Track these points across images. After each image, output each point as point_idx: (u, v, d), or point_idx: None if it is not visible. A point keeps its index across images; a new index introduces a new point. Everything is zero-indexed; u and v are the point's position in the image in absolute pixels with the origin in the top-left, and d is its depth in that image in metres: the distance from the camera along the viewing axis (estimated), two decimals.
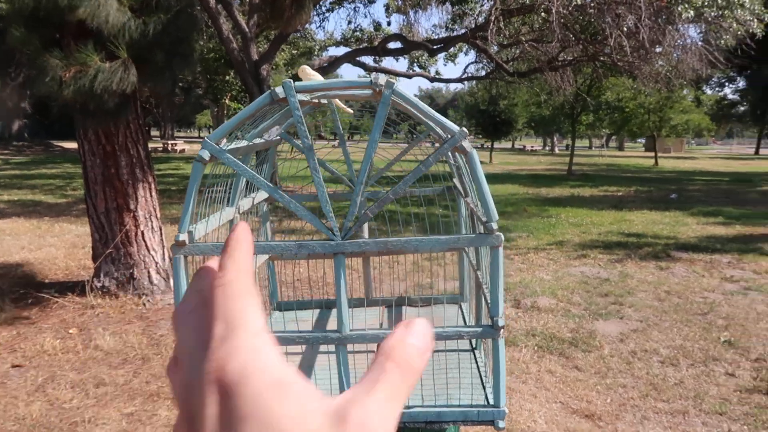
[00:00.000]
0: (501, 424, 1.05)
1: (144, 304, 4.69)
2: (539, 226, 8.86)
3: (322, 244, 0.90)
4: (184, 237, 0.94)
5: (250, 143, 1.07)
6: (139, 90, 4.53)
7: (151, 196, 4.91)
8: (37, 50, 3.92)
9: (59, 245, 7.01)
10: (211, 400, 0.25)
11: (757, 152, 40.73)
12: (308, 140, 0.89)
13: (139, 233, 4.80)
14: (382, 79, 0.88)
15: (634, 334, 4.31)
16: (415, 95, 1.09)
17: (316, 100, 1.31)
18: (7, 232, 7.86)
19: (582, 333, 4.29)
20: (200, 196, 0.98)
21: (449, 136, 0.86)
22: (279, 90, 0.92)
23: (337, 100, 1.45)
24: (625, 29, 10.11)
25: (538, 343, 4.09)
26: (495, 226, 0.87)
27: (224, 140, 0.97)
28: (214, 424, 0.25)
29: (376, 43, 15.31)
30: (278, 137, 1.65)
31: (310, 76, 1.38)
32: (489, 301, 0.96)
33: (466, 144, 0.84)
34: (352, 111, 1.90)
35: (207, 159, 0.93)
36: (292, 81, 0.92)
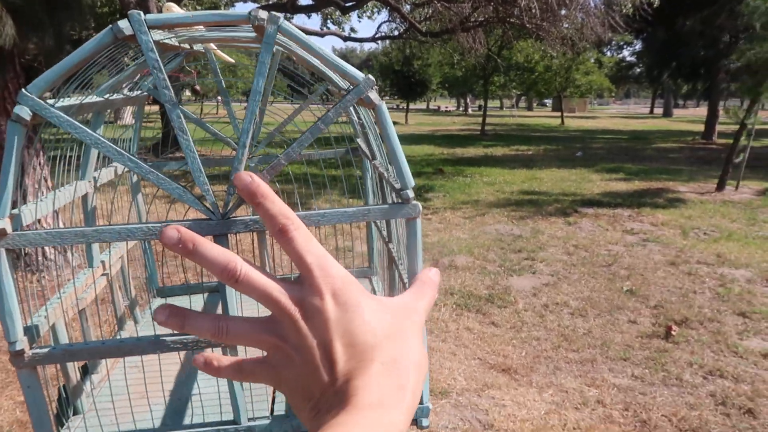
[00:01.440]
0: (425, 422, 0.97)
1: (39, 281, 4.31)
2: (455, 186, 9.00)
3: (198, 224, 0.72)
4: (3, 224, 0.73)
5: (103, 98, 0.84)
6: (19, 46, 4.04)
7: (39, 164, 4.46)
8: None
9: None
10: (329, 299, 0.38)
11: (651, 111, 43.58)
12: (169, 92, 0.72)
13: None
14: (263, 13, 0.70)
15: (546, 288, 4.47)
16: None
17: (187, 45, 1.06)
18: None
19: (498, 289, 4.40)
20: (42, 167, 0.81)
21: (353, 87, 0.69)
22: (124, 24, 0.70)
23: (213, 46, 1.21)
24: None
25: (456, 301, 4.15)
26: (411, 194, 0.72)
27: (49, 93, 0.77)
28: (334, 311, 0.38)
29: None
30: (144, 93, 1.39)
31: (172, 9, 1.12)
32: (405, 279, 0.83)
33: (373, 95, 0.68)
34: (234, 60, 1.68)
35: (28, 118, 0.74)
36: (142, 14, 0.73)
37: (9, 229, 0.73)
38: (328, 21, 16.84)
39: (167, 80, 0.70)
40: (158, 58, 0.70)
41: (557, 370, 3.20)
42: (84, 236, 0.70)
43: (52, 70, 0.72)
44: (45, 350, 0.79)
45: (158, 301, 1.57)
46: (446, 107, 52.38)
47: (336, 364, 0.37)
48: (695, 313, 3.91)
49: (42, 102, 0.72)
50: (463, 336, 3.61)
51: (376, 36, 15.78)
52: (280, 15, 0.69)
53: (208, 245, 0.39)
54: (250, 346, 0.41)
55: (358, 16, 16.65)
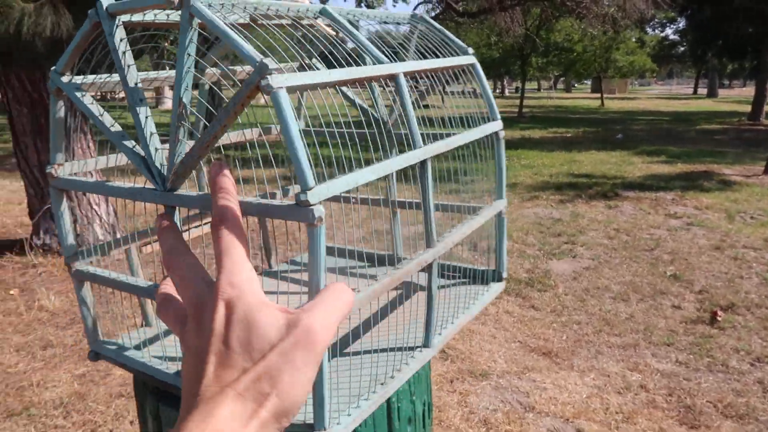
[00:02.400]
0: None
1: (90, 261, 4.47)
2: (491, 169, 8.91)
3: (141, 191, 0.71)
4: (51, 169, 0.80)
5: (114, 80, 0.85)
6: (72, 34, 4.17)
7: (88, 146, 4.61)
8: None
9: None
10: (221, 309, 0.37)
11: (695, 92, 42.02)
12: (127, 75, 0.72)
13: None
14: None
15: (586, 272, 4.42)
16: (366, 37, 0.87)
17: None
18: None
19: (537, 273, 4.37)
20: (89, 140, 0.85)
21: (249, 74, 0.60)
22: (93, 12, 0.71)
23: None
24: None
25: None
26: (309, 196, 0.58)
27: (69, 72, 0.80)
28: (221, 324, 0.37)
29: None
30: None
31: None
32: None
33: (274, 81, 0.58)
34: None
35: (53, 89, 0.79)
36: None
37: (56, 174, 0.80)
38: (363, 3, 16.76)
39: (128, 68, 0.70)
40: (117, 46, 0.69)
41: (599, 354, 3.18)
42: (119, 192, 0.76)
43: (65, 52, 0.77)
44: (85, 269, 0.88)
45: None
46: None
47: (202, 379, 0.35)
48: (742, 299, 3.82)
49: (58, 77, 0.78)
50: (503, 319, 3.61)
51: None
52: None
53: (230, 198, 0.43)
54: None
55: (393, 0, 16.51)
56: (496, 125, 1.08)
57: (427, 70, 0.90)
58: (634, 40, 29.28)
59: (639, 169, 8.98)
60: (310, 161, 0.60)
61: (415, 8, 15.64)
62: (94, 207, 4.59)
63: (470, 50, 1.04)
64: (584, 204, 6.58)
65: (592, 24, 13.87)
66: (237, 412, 0.34)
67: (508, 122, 18.21)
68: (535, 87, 51.68)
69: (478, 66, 1.04)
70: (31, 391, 2.77)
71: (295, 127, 0.59)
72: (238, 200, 0.44)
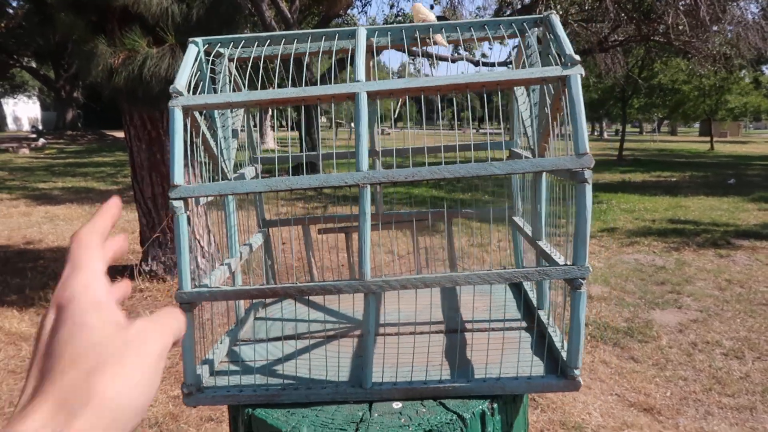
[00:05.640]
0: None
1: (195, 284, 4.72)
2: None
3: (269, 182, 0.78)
4: (176, 180, 0.81)
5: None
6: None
7: (196, 181, 4.93)
8: (83, 36, 3.95)
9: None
10: (50, 316, 0.36)
11: None
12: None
13: None
14: None
15: (694, 324, 4.08)
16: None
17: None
18: (61, 217, 8.11)
19: (638, 322, 4.09)
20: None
21: None
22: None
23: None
24: (681, 6, 9.62)
25: (591, 332, 3.92)
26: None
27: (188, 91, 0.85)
28: (47, 332, 0.35)
29: None
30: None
31: (422, 15, 1.10)
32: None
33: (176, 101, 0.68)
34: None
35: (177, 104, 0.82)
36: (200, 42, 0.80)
37: (179, 182, 0.81)
38: (459, 47, 16.99)
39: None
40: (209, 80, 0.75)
41: (708, 415, 2.89)
42: (247, 186, 0.79)
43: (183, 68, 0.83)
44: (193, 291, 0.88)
45: None
46: None
47: (23, 390, 0.33)
48: None
49: (179, 91, 0.82)
50: (599, 369, 3.39)
51: (508, 60, 15.64)
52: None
53: (100, 216, 0.42)
54: None
55: (490, 44, 16.64)
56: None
57: (421, 88, 0.80)
58: (748, 80, 27.50)
59: (754, 216, 8.28)
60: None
61: (510, 52, 15.66)
62: (198, 238, 4.87)
63: (576, 58, 0.82)
64: (691, 252, 6.13)
65: (701, 64, 13.19)
66: (48, 423, 0.30)
67: (607, 165, 17.55)
68: (636, 130, 49.61)
69: (573, 81, 0.80)
70: None
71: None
72: (110, 219, 0.42)
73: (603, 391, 3.14)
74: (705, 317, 4.21)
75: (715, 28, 10.96)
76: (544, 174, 0.98)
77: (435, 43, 0.96)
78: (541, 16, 0.93)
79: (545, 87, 0.90)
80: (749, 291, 4.78)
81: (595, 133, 46.69)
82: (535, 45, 0.95)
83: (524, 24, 0.95)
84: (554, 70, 0.79)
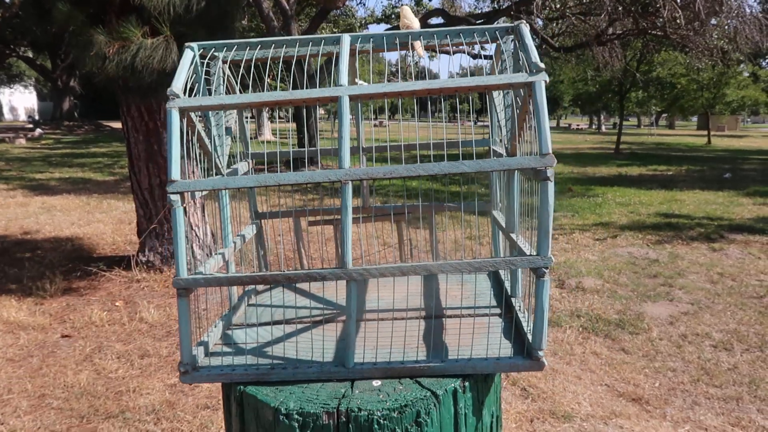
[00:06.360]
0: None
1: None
2: (585, 206, 8.62)
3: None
4: (173, 176, 0.87)
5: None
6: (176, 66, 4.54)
7: (193, 172, 4.95)
8: (81, 26, 3.96)
9: (107, 221, 7.21)
10: None
11: None
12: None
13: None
14: None
15: (684, 316, 4.14)
16: (457, 73, 0.94)
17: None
18: (58, 208, 8.14)
19: (629, 315, 4.15)
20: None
21: None
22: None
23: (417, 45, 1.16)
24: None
25: (582, 324, 3.97)
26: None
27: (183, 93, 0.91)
28: None
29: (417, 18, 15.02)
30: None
31: (406, 21, 1.15)
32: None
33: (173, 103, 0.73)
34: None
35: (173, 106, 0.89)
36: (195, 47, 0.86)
37: (176, 178, 0.87)
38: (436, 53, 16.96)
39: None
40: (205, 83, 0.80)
41: (696, 405, 2.95)
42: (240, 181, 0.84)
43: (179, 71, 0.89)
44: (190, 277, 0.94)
45: None
46: (578, 125, 50.33)
47: None
48: None
49: (176, 93, 0.88)
50: (590, 360, 3.45)
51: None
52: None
53: None
54: None
55: None
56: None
57: (388, 93, 0.86)
58: (746, 74, 27.54)
59: (749, 210, 8.35)
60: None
61: None
62: (194, 228, 4.90)
63: (540, 65, 0.86)
64: (684, 245, 6.19)
65: (699, 58, 13.20)
66: None
67: (604, 159, 17.60)
68: (634, 123, 49.63)
69: (537, 87, 0.84)
70: (127, 396, 2.97)
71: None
72: None
73: (593, 381, 3.19)
74: (696, 310, 4.26)
75: (713, 21, 10.98)
76: (516, 171, 1.03)
77: (413, 50, 1.02)
78: (513, 25, 1.00)
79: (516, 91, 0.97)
80: (740, 284, 4.84)
81: (593, 126, 46.70)
82: (510, 51, 1.02)
83: (497, 32, 1.02)
84: (520, 77, 0.86)
